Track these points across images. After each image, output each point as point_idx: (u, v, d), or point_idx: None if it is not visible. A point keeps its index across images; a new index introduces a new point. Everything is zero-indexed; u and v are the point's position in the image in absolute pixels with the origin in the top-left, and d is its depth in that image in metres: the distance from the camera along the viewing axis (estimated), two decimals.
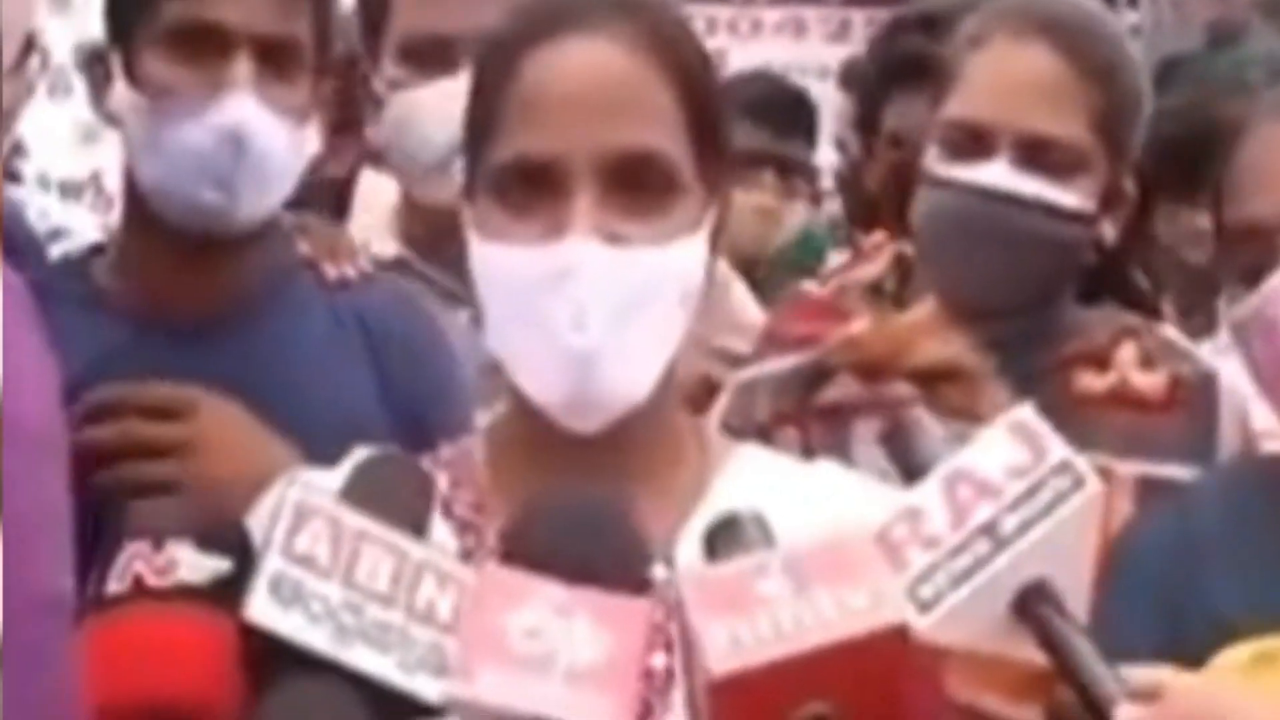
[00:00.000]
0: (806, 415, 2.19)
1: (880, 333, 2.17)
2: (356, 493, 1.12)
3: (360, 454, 1.34)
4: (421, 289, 2.43)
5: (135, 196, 2.08)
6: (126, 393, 1.96)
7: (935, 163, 2.17)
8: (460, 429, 1.91)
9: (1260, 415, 2.04)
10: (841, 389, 2.19)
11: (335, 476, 1.28)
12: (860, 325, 2.20)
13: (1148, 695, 1.09)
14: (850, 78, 3.95)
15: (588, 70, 1.43)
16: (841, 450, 2.09)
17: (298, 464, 1.81)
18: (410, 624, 1.06)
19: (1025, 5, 2.19)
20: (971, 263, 2.14)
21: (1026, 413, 1.16)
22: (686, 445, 1.53)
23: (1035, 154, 2.12)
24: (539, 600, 1.04)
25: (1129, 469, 2.03)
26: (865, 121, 3.24)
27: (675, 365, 1.48)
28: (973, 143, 2.14)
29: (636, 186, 1.42)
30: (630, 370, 1.43)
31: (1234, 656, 1.35)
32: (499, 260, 1.44)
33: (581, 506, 1.13)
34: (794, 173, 4.04)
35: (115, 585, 1.09)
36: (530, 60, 1.44)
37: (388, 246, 2.50)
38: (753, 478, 1.50)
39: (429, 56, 2.43)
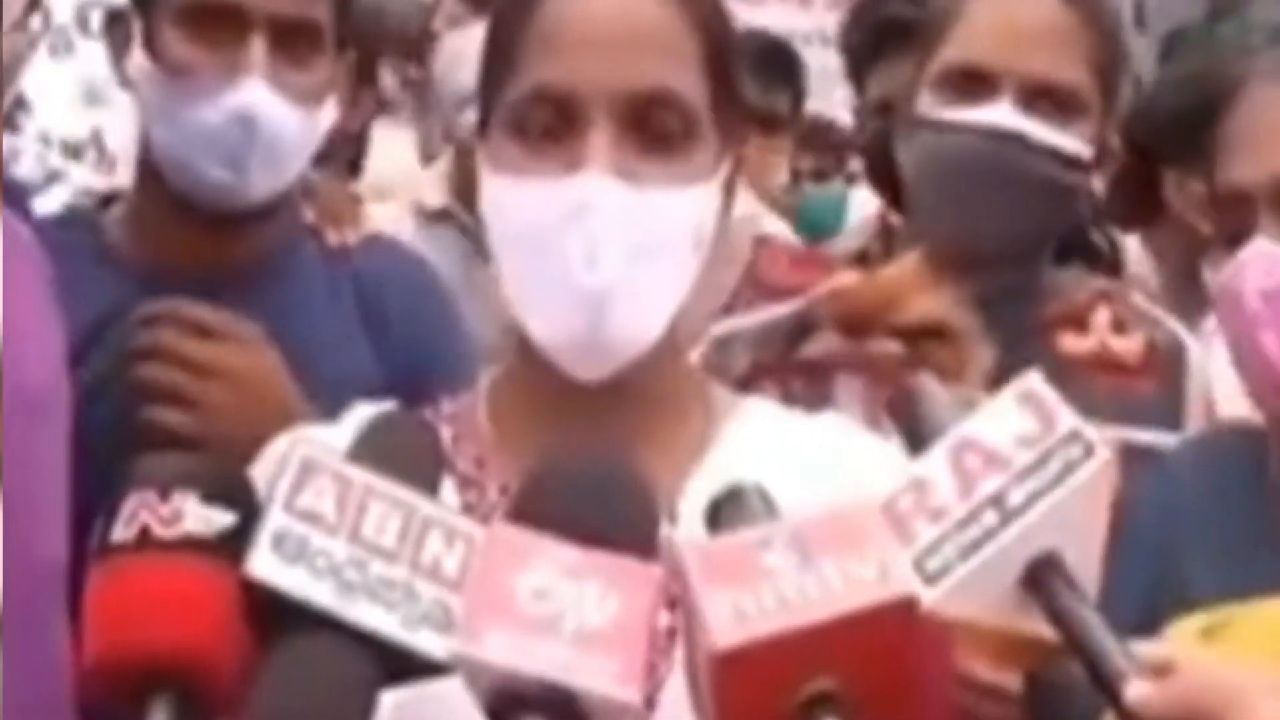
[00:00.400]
0: (787, 369, 2.17)
1: (866, 286, 2.14)
2: (366, 450, 1.12)
3: (366, 411, 1.33)
4: (460, 241, 2.46)
5: (148, 160, 2.12)
6: (170, 307, 2.02)
7: (932, 108, 2.14)
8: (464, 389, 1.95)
9: (1228, 404, 2.03)
10: (824, 343, 2.16)
11: (341, 432, 1.27)
12: (846, 278, 2.17)
13: (1158, 670, 1.07)
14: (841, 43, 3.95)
15: (610, 8, 1.44)
16: (823, 406, 2.08)
17: (307, 414, 1.88)
18: (415, 580, 1.06)
19: None
20: (970, 206, 2.12)
21: (1035, 380, 1.14)
22: (689, 399, 1.52)
23: (1038, 97, 2.11)
24: (548, 561, 1.03)
25: (1112, 434, 2.02)
26: (855, 87, 3.24)
27: (680, 318, 1.48)
28: (974, 86, 2.12)
29: (654, 127, 1.42)
30: (641, 312, 1.43)
31: (1184, 628, 1.34)
32: (513, 195, 1.43)
33: (593, 470, 1.12)
34: (777, 128, 4.03)
35: (121, 533, 1.07)
36: None
37: (436, 197, 2.57)
38: (756, 431, 1.50)
39: None
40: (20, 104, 3.10)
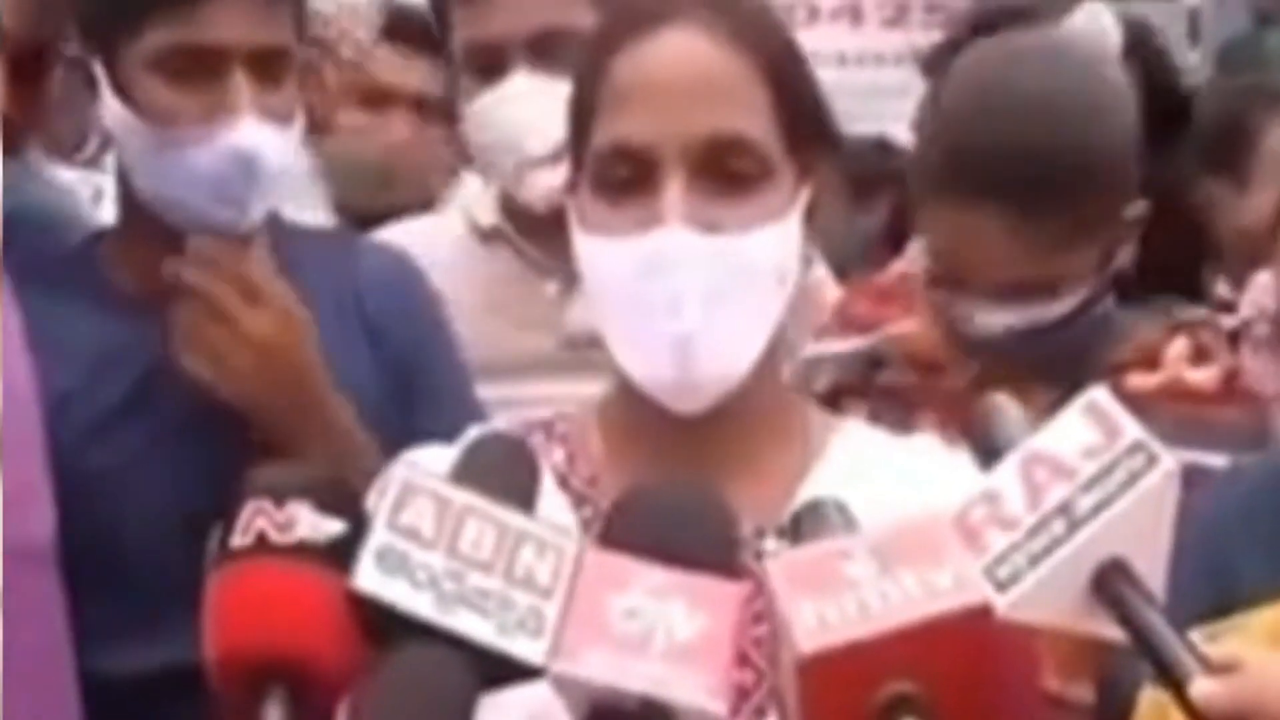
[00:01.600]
0: (872, 392, 2.23)
1: (927, 335, 2.20)
2: (465, 469, 1.17)
3: (471, 435, 1.38)
4: (512, 259, 2.50)
5: (132, 199, 2.09)
6: (233, 262, 2.00)
7: None
8: (450, 395, 2.08)
9: None
10: (899, 373, 2.24)
11: (446, 456, 1.32)
12: (909, 324, 2.22)
13: (1224, 669, 1.10)
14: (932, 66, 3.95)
15: (678, 60, 1.49)
16: (904, 429, 2.12)
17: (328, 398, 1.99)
18: (510, 589, 1.09)
19: None
20: None
21: (1099, 394, 1.17)
22: (790, 422, 1.58)
23: None
24: (637, 583, 1.09)
25: (1180, 458, 2.04)
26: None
27: (778, 344, 1.53)
28: None
29: (727, 171, 1.48)
30: (727, 353, 1.49)
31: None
32: (598, 251, 1.50)
33: (674, 498, 1.17)
34: None
35: (239, 539, 1.12)
36: (624, 54, 1.51)
37: (487, 215, 2.57)
38: (855, 451, 1.56)
39: (484, 63, 2.42)
40: (104, 143, 3.15)
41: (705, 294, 1.46)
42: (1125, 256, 2.14)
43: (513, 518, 1.13)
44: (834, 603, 1.06)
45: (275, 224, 2.19)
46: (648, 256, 1.46)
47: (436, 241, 2.51)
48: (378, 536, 1.10)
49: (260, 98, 2.00)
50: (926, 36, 4.11)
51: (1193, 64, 5.65)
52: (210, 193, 2.01)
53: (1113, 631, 1.14)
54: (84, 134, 3.14)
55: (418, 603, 1.08)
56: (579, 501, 1.55)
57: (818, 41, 4.64)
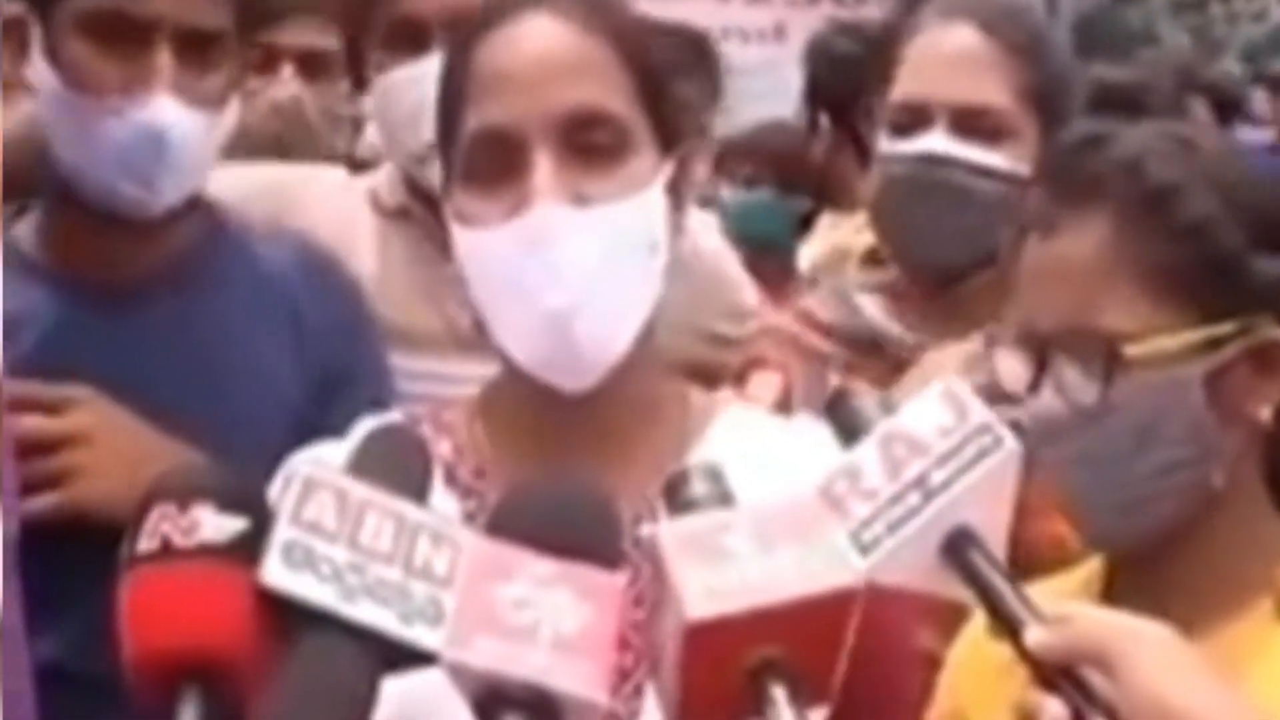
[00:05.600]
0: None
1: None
2: (362, 463, 1.20)
3: (366, 427, 1.44)
4: (421, 241, 2.43)
5: (52, 167, 2.04)
6: (10, 390, 1.90)
7: (883, 142, 2.37)
8: (373, 385, 2.06)
9: None
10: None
11: (342, 449, 1.36)
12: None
13: (1056, 621, 1.21)
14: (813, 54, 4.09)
15: (535, 44, 1.54)
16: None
17: (177, 457, 1.89)
18: (409, 580, 1.14)
19: None
20: (917, 222, 2.35)
21: (953, 381, 1.27)
22: (670, 406, 1.62)
23: (968, 122, 2.32)
24: (525, 573, 1.13)
25: None
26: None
27: (655, 328, 1.57)
28: (913, 118, 2.35)
29: (591, 145, 1.52)
30: (608, 323, 1.52)
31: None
32: (476, 241, 1.53)
33: (559, 497, 1.21)
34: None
35: (145, 544, 1.14)
36: (485, 43, 1.55)
37: (392, 195, 2.52)
38: (732, 433, 1.60)
39: (404, 38, 2.38)
40: None
41: (582, 266, 1.49)
42: None
43: (410, 510, 1.16)
44: (718, 573, 1.14)
45: (219, 231, 2.16)
46: (524, 235, 1.49)
47: (354, 219, 2.45)
48: (282, 532, 1.13)
49: (185, 78, 1.96)
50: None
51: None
52: (120, 168, 1.98)
53: (961, 591, 1.25)
54: None
55: (323, 595, 1.11)
56: (465, 494, 1.57)
57: (682, 16, 4.66)
